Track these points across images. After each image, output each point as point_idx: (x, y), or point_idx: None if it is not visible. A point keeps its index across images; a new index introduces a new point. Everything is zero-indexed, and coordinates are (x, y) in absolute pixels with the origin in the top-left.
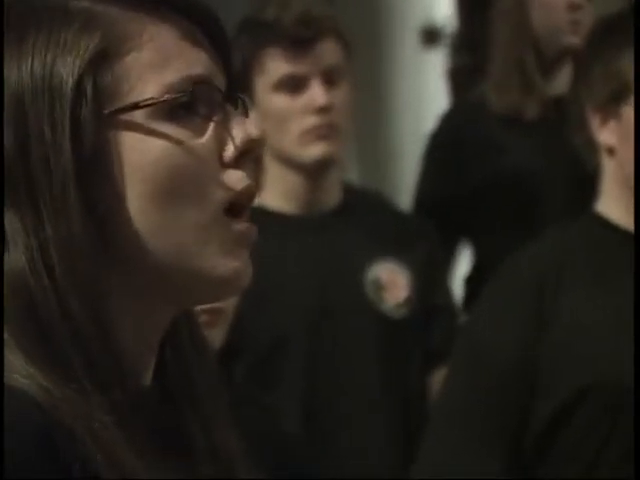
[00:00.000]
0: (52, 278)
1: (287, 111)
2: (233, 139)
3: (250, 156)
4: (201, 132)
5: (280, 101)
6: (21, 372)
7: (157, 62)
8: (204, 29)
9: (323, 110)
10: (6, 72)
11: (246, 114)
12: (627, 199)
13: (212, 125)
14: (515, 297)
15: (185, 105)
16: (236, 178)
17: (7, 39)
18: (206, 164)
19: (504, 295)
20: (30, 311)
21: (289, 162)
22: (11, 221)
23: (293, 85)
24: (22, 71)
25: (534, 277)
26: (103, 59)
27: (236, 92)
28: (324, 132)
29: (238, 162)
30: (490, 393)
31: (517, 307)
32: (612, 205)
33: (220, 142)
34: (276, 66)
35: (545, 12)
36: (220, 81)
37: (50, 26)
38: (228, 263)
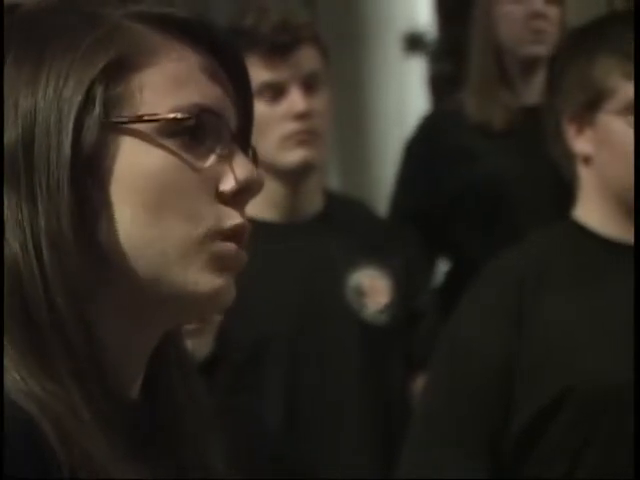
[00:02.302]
0: (41, 267)
1: (267, 118)
2: (235, 175)
3: (247, 197)
4: (202, 160)
5: (260, 108)
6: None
7: (173, 84)
8: (228, 70)
9: (302, 116)
10: (24, 69)
11: (252, 160)
12: (604, 206)
13: (214, 157)
14: (496, 301)
15: (191, 132)
16: (228, 214)
17: (33, 36)
18: (201, 189)
19: (485, 298)
20: (20, 299)
21: (269, 169)
22: (13, 210)
23: (272, 92)
24: (41, 72)
25: (515, 281)
26: (118, 68)
27: (249, 137)
28: (304, 137)
29: (234, 199)
30: (471, 395)
31: (498, 311)
32: (590, 212)
33: (219, 174)
34: (255, 74)
35: (508, 22)
36: (233, 121)
37: (74, 31)
38: (210, 281)
